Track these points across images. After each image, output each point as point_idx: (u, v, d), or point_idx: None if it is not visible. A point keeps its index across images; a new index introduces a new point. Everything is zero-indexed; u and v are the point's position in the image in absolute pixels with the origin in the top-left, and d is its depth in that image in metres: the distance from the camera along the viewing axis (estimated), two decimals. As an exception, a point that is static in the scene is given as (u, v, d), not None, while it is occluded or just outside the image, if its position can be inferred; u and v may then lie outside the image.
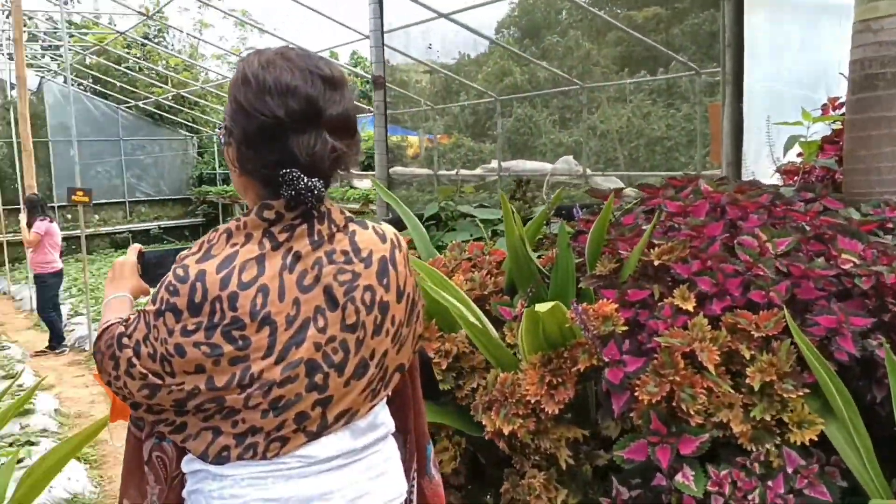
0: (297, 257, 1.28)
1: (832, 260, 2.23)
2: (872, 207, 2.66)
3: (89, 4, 19.15)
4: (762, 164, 4.01)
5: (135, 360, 1.28)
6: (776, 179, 3.62)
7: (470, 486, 2.43)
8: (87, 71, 18.04)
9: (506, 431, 2.09)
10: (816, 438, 1.89)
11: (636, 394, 1.98)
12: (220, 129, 1.34)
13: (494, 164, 11.95)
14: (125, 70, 17.53)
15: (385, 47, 5.07)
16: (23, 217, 8.59)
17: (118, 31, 14.90)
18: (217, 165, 19.51)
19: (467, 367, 2.41)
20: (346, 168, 1.31)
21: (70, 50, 14.40)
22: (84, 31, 16.84)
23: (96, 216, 18.06)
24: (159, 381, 1.26)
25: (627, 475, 1.99)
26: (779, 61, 5.29)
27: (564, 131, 13.78)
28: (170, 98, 18.23)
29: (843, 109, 3.27)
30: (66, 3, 15.73)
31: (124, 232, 18.26)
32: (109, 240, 17.91)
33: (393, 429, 1.46)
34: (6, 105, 15.90)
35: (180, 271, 1.24)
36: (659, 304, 2.22)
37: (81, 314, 9.46)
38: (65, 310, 9.63)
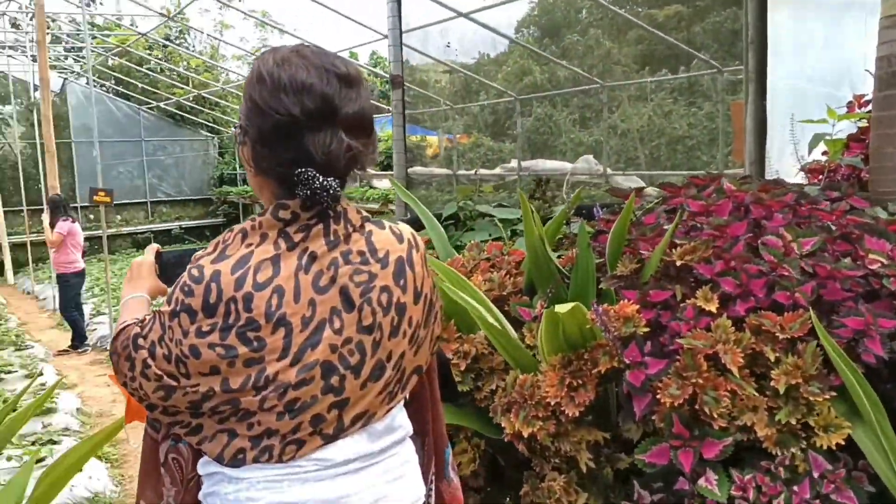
0: (313, 258, 1.26)
1: (859, 260, 2.18)
2: (900, 206, 2.61)
3: (111, 6, 19.37)
4: (786, 162, 3.95)
5: (150, 362, 1.27)
6: (800, 178, 3.57)
7: (489, 488, 2.41)
8: (110, 72, 18.23)
9: (525, 434, 2.07)
10: (843, 442, 1.85)
11: (658, 396, 1.95)
12: (235, 128, 1.33)
13: (514, 163, 11.91)
14: (147, 71, 17.70)
15: (404, 47, 5.06)
16: (45, 217, 8.68)
17: (140, 33, 15.03)
18: (238, 166, 19.62)
19: (486, 368, 2.39)
20: (362, 167, 1.29)
21: (92, 52, 14.57)
22: (106, 32, 17.01)
23: (118, 216, 18.25)
24: (174, 383, 1.25)
25: (649, 479, 1.96)
26: (802, 59, 5.23)
27: (584, 130, 13.72)
28: (191, 99, 18.38)
29: (870, 107, 3.22)
30: (88, 6, 15.90)
31: (146, 232, 18.43)
32: (131, 240, 18.09)
33: (411, 431, 1.45)
34: (30, 106, 16.11)
35: (195, 272, 1.23)
36: (681, 305, 2.19)
37: (103, 314, 9.54)
38: (87, 309, 9.72)
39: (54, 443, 5.15)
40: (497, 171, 12.57)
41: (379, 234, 1.34)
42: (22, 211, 13.73)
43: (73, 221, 8.54)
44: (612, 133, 11.90)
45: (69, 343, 8.56)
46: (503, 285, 2.66)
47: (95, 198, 7.79)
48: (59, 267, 8.51)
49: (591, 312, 2.10)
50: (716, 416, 1.91)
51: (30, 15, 13.78)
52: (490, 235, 3.79)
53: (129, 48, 16.37)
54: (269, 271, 1.23)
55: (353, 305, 1.27)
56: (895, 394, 1.95)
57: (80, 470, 2.41)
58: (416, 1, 8.30)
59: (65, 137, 16.25)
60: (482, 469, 2.36)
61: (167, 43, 17.36)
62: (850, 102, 3.56)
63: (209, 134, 20.08)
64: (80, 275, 8.66)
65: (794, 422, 1.89)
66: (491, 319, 2.29)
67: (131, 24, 15.78)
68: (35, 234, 13.23)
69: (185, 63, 18.06)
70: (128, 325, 1.35)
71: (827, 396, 1.89)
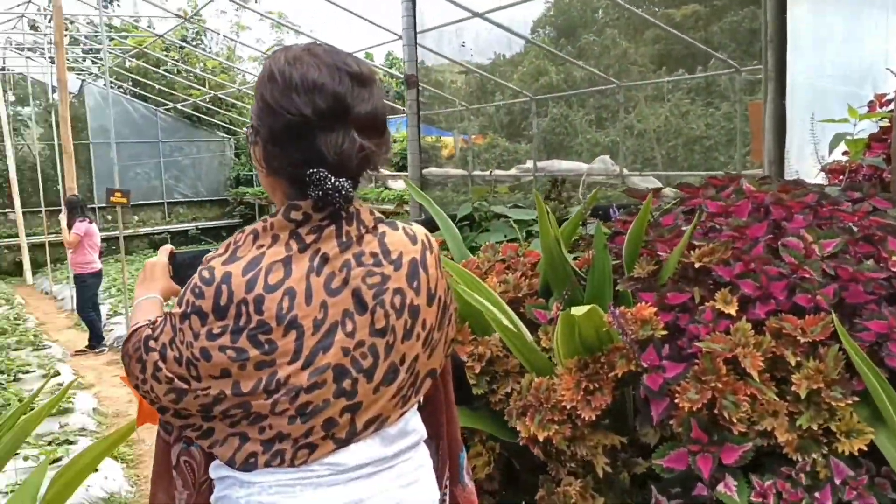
0: (325, 259, 1.24)
1: (882, 262, 2.15)
2: (924, 207, 2.56)
3: (129, 8, 19.52)
4: (806, 162, 3.90)
5: (161, 364, 1.25)
6: (821, 179, 3.52)
7: (504, 491, 2.39)
8: (127, 74, 18.37)
9: (541, 438, 2.05)
10: (866, 448, 1.82)
11: (676, 400, 1.92)
12: (247, 128, 1.31)
13: (529, 164, 11.89)
14: (163, 72, 17.83)
15: (419, 47, 5.04)
16: (63, 218, 8.74)
17: (157, 34, 15.14)
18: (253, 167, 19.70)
19: (501, 371, 2.37)
20: (374, 168, 1.28)
21: (110, 53, 14.67)
22: (124, 34, 17.14)
23: (135, 217, 18.40)
24: (185, 386, 1.23)
25: (667, 484, 1.94)
26: (822, 55, 5.16)
27: (601, 131, 13.68)
28: (207, 100, 18.48)
29: (891, 106, 3.17)
30: (105, 7, 16.02)
31: (162, 233, 18.56)
32: (148, 240, 18.22)
33: (425, 435, 1.42)
34: (48, 108, 16.27)
35: (206, 273, 1.22)
36: (700, 307, 2.16)
37: (120, 314, 9.60)
38: (104, 309, 9.78)
39: (70, 443, 5.18)
40: (512, 171, 12.55)
41: (392, 236, 1.32)
42: (40, 212, 13.85)
43: (90, 222, 8.59)
44: (629, 133, 11.85)
45: (86, 343, 8.61)
46: (518, 287, 2.63)
47: (112, 199, 7.84)
48: (77, 267, 8.56)
49: (607, 315, 2.07)
50: (735, 420, 1.88)
51: (48, 17, 13.90)
52: (505, 236, 3.76)
53: (146, 50, 16.49)
54: (281, 273, 1.21)
55: (366, 308, 1.25)
56: (919, 399, 1.91)
57: (96, 470, 2.41)
58: (432, 1, 8.29)
59: (83, 139, 16.41)
60: (497, 472, 2.34)
61: (184, 44, 17.47)
62: (871, 101, 3.52)
63: (225, 135, 20.19)
64: (97, 275, 8.71)
65: (815, 427, 1.86)
66: (506, 322, 2.27)
67: (148, 26, 15.91)
68: (53, 235, 13.35)
69: (201, 64, 18.18)
70: (139, 327, 1.34)
71: (849, 401, 1.86)
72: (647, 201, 2.50)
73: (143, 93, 18.72)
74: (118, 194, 7.83)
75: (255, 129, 1.27)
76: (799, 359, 1.94)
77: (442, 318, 1.38)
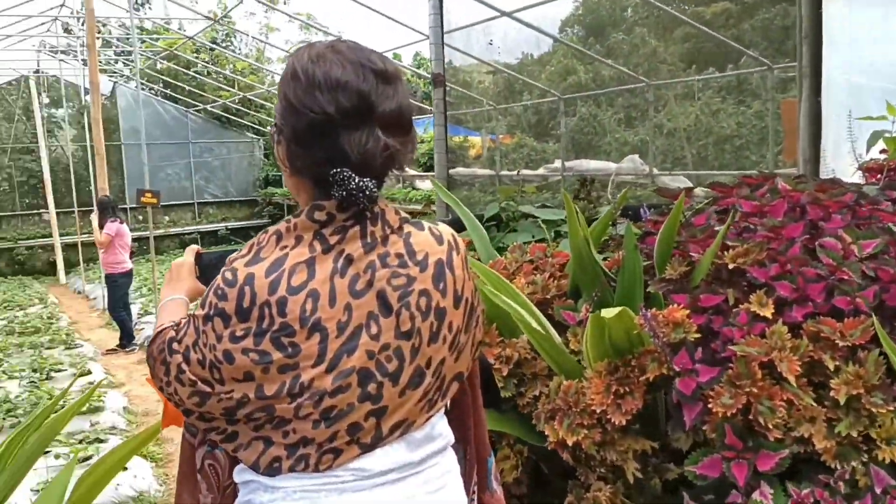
0: (349, 261, 1.22)
1: (924, 263, 2.08)
2: (966, 207, 2.49)
3: (160, 10, 19.73)
4: (842, 161, 3.81)
5: (184, 367, 1.24)
6: (858, 177, 3.44)
7: (532, 495, 2.36)
8: (158, 76, 18.60)
9: (569, 442, 2.01)
10: (908, 456, 1.76)
11: (709, 405, 1.88)
12: (271, 127, 1.29)
13: (557, 163, 11.82)
14: (194, 74, 18.01)
15: (446, 47, 5.02)
16: (95, 218, 8.85)
17: (187, 36, 15.30)
18: (281, 167, 19.84)
19: (529, 373, 2.34)
20: (400, 167, 1.25)
21: (141, 55, 14.85)
22: (155, 36, 17.36)
23: (166, 217, 18.61)
24: (208, 389, 1.22)
25: (700, 491, 1.89)
26: (859, 51, 5.05)
27: (630, 130, 13.57)
28: (237, 101, 18.64)
29: (932, 102, 3.08)
30: (137, 10, 16.22)
31: (193, 233, 18.76)
32: (178, 240, 18.42)
33: (452, 440, 1.39)
34: (81, 110, 16.50)
35: (229, 275, 1.20)
36: (734, 310, 2.11)
37: (151, 313, 9.70)
38: (135, 309, 9.90)
39: (101, 441, 5.24)
40: (540, 171, 12.50)
41: (418, 236, 1.30)
42: (73, 212, 14.04)
43: (121, 222, 8.69)
44: (658, 132, 11.74)
45: (117, 342, 8.71)
46: (547, 288, 2.60)
47: (143, 199, 7.93)
48: (108, 267, 8.66)
49: (638, 317, 2.03)
50: (771, 426, 1.83)
51: (81, 20, 14.08)
52: (533, 237, 3.72)
53: (176, 51, 16.67)
54: (304, 274, 1.19)
55: (391, 310, 1.23)
56: (964, 405, 1.85)
57: (124, 469, 2.42)
58: (459, 0, 8.27)
59: (114, 140, 16.62)
60: (525, 476, 2.31)
61: (214, 46, 17.63)
62: (910, 98, 3.42)
63: (254, 136, 20.36)
64: (128, 275, 8.81)
65: (854, 434, 1.81)
66: (534, 324, 2.24)
67: (179, 28, 16.09)
68: (86, 235, 13.52)
69: (231, 66, 18.33)
70: (164, 329, 1.33)
71: (890, 408, 1.81)
72: (679, 201, 2.45)
73: (173, 94, 18.94)
74: (149, 195, 7.92)
75: (279, 129, 1.25)
76: (838, 363, 1.89)
77: (469, 320, 1.35)
